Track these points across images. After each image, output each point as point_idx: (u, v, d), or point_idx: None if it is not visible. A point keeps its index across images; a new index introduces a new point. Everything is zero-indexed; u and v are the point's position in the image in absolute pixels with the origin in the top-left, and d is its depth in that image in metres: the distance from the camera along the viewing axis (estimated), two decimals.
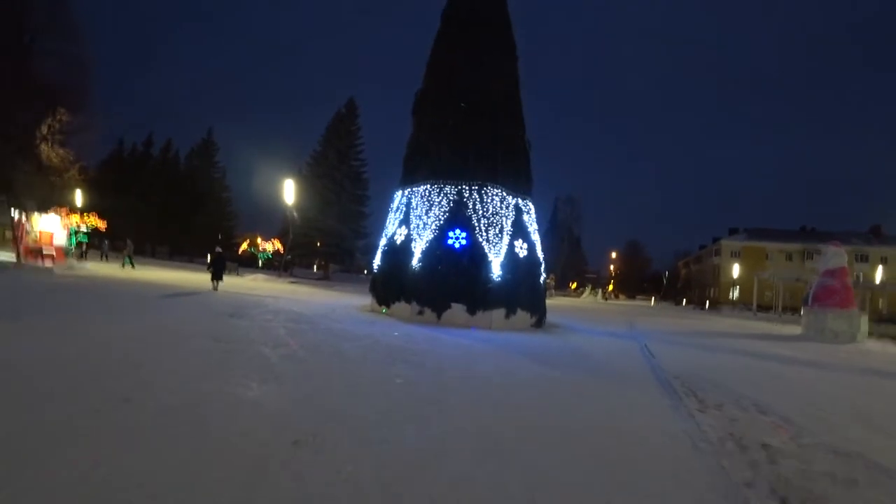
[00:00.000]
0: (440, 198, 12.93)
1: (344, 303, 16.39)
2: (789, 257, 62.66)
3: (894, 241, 61.56)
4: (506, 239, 12.77)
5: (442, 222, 12.63)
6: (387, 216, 14.78)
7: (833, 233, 65.80)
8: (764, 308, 43.80)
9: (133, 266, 22.04)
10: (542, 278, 13.87)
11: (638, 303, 59.73)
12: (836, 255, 18.50)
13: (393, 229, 13.87)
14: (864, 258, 59.02)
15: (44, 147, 21.03)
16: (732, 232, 68.50)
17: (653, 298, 67.35)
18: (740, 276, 56.06)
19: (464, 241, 12.37)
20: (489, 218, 12.67)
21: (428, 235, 12.65)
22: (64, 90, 19.29)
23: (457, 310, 12.11)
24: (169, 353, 5.58)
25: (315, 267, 59.87)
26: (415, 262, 12.58)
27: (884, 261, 55.19)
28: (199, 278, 18.45)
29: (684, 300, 64.57)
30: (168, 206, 51.77)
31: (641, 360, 8.86)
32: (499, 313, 12.29)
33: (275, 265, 39.78)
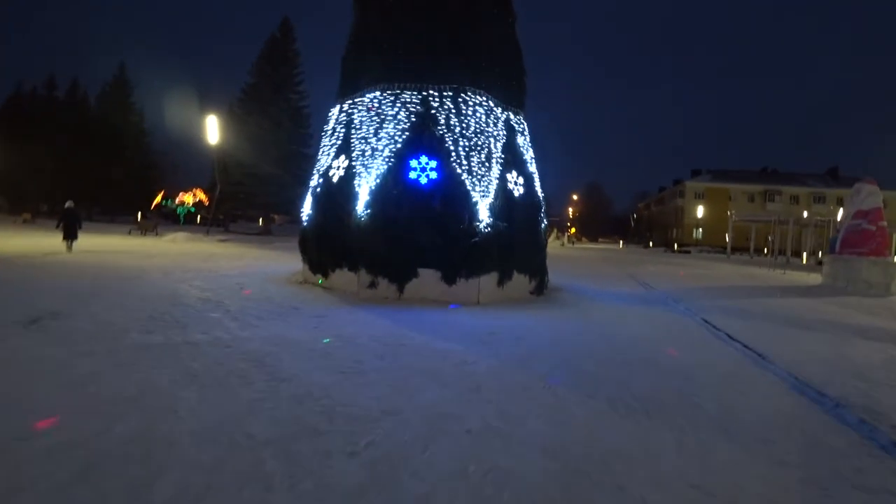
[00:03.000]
0: (396, 109, 8.48)
1: (271, 269, 11.95)
2: (751, 198, 62.61)
3: (851, 183, 61.77)
4: (495, 170, 8.61)
5: (400, 146, 8.27)
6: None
7: (793, 174, 66.10)
8: (734, 250, 42.76)
9: None
10: (543, 226, 9.92)
11: (604, 246, 57.63)
12: (871, 194, 15.52)
13: (327, 161, 9.35)
14: (821, 199, 59.45)
15: None
16: (695, 173, 67.34)
17: (620, 242, 65.95)
18: (704, 218, 55.35)
19: (434, 174, 8.12)
20: (471, 138, 8.40)
21: (379, 167, 8.29)
22: None
23: (427, 278, 8.05)
24: None
25: (261, 220, 53.47)
26: (360, 207, 8.26)
27: (840, 202, 55.10)
28: (56, 242, 13.34)
29: (650, 242, 63.49)
30: (78, 158, 43.33)
31: (763, 372, 5.21)
32: (489, 280, 8.34)
33: (208, 220, 33.99)
